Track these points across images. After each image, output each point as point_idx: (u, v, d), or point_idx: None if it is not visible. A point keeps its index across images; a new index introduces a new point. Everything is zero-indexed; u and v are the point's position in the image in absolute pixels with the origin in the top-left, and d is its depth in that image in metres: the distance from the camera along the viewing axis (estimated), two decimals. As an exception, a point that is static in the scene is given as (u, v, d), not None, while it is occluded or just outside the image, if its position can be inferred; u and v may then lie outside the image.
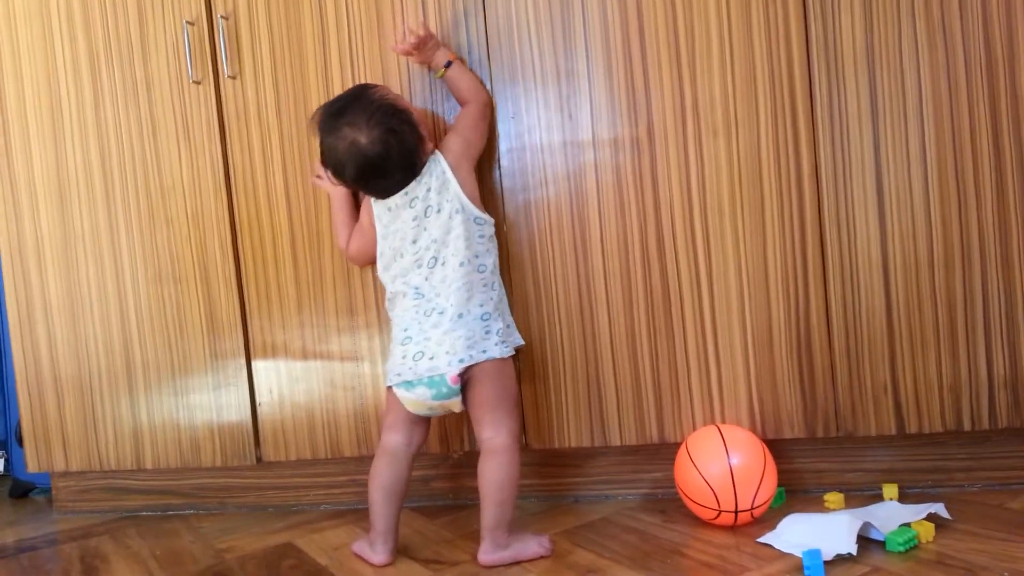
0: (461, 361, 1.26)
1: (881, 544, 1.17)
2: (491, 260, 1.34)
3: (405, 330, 1.32)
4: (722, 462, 1.27)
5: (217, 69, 1.54)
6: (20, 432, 1.79)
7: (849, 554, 1.13)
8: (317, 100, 1.50)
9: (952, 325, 1.31)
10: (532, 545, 1.25)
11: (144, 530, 1.60)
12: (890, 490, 1.36)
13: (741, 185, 1.35)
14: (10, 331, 1.71)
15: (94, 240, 1.63)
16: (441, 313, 1.29)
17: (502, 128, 1.43)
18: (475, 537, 1.36)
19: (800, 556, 1.14)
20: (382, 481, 1.30)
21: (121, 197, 1.61)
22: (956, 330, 1.31)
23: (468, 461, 1.56)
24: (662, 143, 1.37)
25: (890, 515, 1.23)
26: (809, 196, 1.33)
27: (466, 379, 1.28)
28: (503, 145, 1.44)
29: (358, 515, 1.56)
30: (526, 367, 1.45)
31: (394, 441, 1.33)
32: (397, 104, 1.31)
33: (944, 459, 1.39)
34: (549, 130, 1.42)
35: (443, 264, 1.31)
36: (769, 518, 1.30)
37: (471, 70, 1.42)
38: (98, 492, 1.75)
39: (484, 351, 1.28)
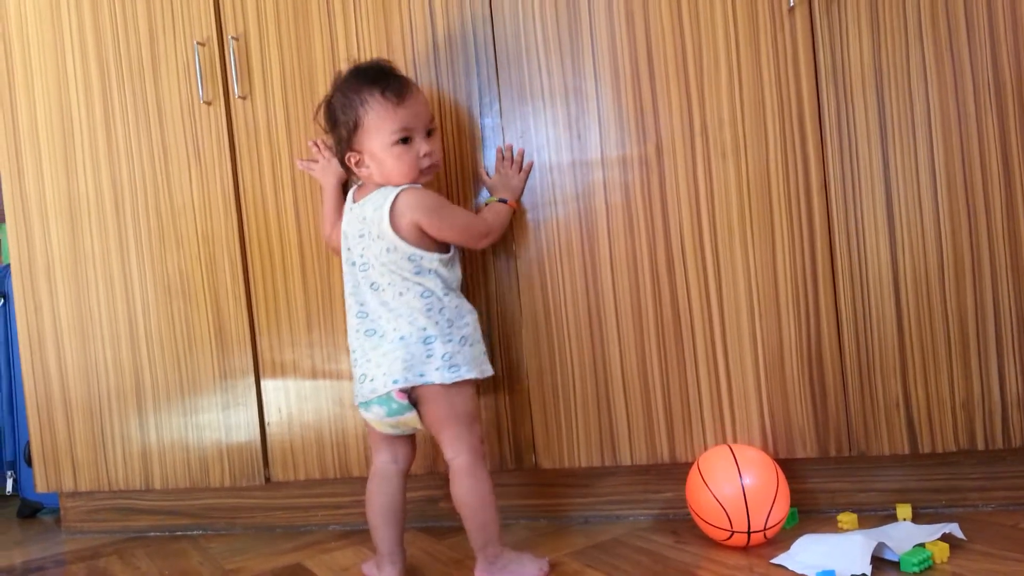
0: (395, 382, 1.23)
1: (895, 565, 1.16)
2: (438, 285, 1.27)
3: (354, 351, 1.31)
4: (734, 482, 1.26)
5: (228, 89, 1.56)
6: (29, 452, 1.79)
7: (863, 575, 1.12)
8: (327, 120, 1.51)
9: (964, 342, 1.30)
10: (530, 567, 1.25)
11: (152, 551, 1.59)
12: (904, 510, 1.35)
13: (750, 204, 1.35)
14: (20, 351, 1.71)
15: (104, 261, 1.64)
16: (381, 336, 1.26)
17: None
18: (485, 558, 1.36)
19: (814, 577, 1.13)
20: (378, 503, 1.29)
21: (132, 218, 1.62)
22: (968, 347, 1.30)
23: (477, 481, 1.55)
24: (671, 163, 1.38)
25: (904, 535, 1.22)
26: (819, 215, 1.33)
27: (415, 399, 1.25)
28: (512, 164, 1.44)
29: (367, 535, 1.54)
30: (535, 386, 1.45)
31: (380, 461, 1.32)
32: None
33: (958, 479, 1.38)
34: (558, 150, 1.42)
35: (382, 290, 1.28)
36: (782, 539, 1.29)
37: (499, 212, 1.39)
38: (107, 512, 1.75)
39: (422, 375, 1.23)
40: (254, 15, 1.54)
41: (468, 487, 1.23)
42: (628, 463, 1.42)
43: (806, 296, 1.35)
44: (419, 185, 1.31)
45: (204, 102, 1.56)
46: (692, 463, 1.37)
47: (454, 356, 1.25)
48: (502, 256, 1.45)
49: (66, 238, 1.66)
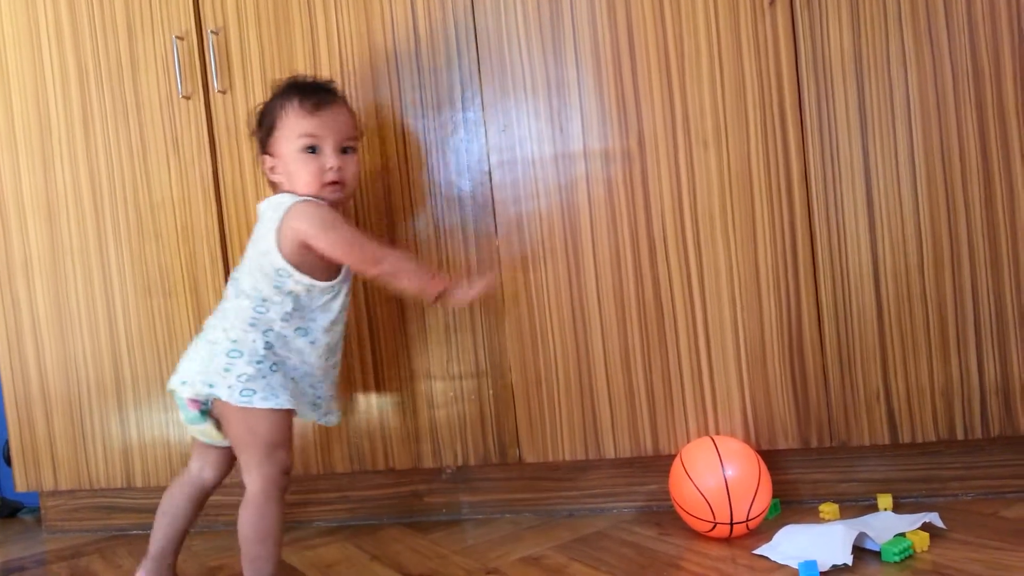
0: (183, 383, 1.19)
1: (876, 554, 1.17)
2: (285, 308, 1.20)
3: None
4: (717, 474, 1.27)
5: (207, 84, 1.54)
6: (8, 451, 1.77)
7: (845, 564, 1.13)
8: (307, 114, 1.50)
9: (943, 332, 1.31)
10: None
11: (134, 549, 1.58)
12: (884, 500, 1.35)
13: (732, 194, 1.36)
14: (-2, 349, 1.69)
15: (83, 256, 1.62)
16: (203, 333, 1.23)
17: (493, 141, 1.43)
18: (469, 552, 1.36)
19: (796, 567, 1.13)
20: (163, 503, 1.27)
21: (110, 213, 1.60)
22: (947, 335, 1.31)
23: (461, 476, 1.55)
24: (653, 154, 1.38)
25: (885, 525, 1.23)
26: (799, 204, 1.34)
27: (216, 415, 1.21)
28: (494, 158, 1.44)
29: (351, 532, 1.55)
30: (519, 380, 1.45)
31: (189, 465, 1.29)
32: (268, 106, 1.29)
33: (938, 468, 1.39)
34: (540, 142, 1.42)
35: (235, 288, 1.24)
36: (765, 530, 1.29)
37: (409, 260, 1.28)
38: (88, 511, 1.73)
39: (211, 385, 1.16)
40: (233, 9, 1.52)
41: (247, 518, 1.15)
42: (612, 456, 1.43)
43: (787, 287, 1.35)
44: (322, 201, 1.24)
45: (183, 96, 1.54)
46: (675, 455, 1.37)
47: (253, 380, 1.16)
48: (485, 250, 1.45)
49: (44, 233, 1.64)
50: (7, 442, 1.77)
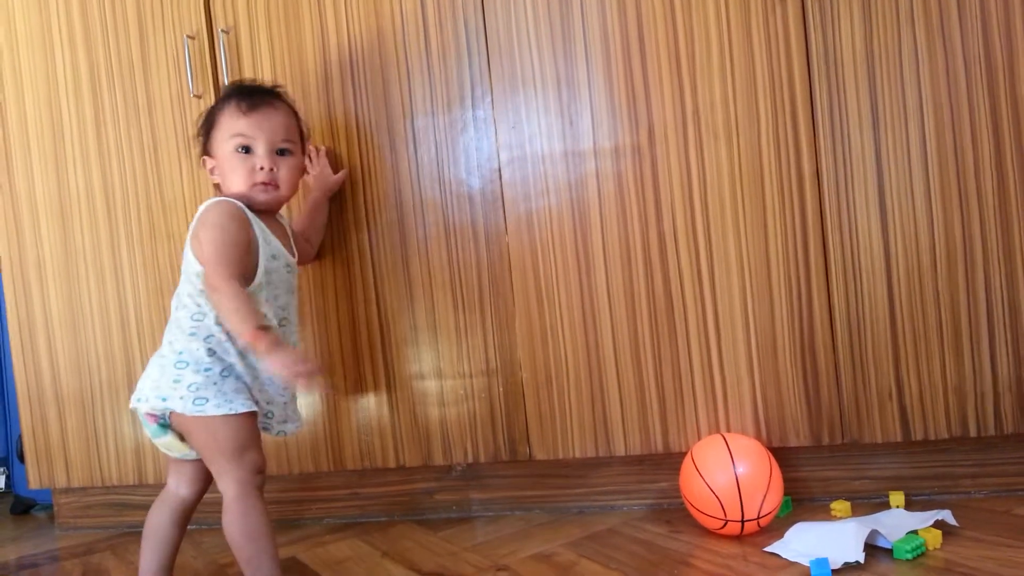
0: (139, 400, 1.19)
1: (889, 552, 1.16)
2: (214, 316, 1.18)
3: None
4: (728, 471, 1.26)
5: (218, 83, 1.55)
6: (21, 448, 1.78)
7: (857, 562, 1.12)
8: (319, 113, 1.51)
9: (956, 329, 1.31)
10: None
11: (146, 546, 1.58)
12: (896, 498, 1.35)
13: (743, 190, 1.35)
14: (11, 346, 1.70)
15: (95, 255, 1.63)
16: (159, 348, 1.23)
17: (503, 138, 1.44)
18: (479, 549, 1.36)
19: (808, 565, 1.13)
20: (147, 525, 1.25)
21: (123, 213, 1.61)
22: (960, 334, 1.31)
23: (471, 473, 1.55)
24: (663, 149, 1.38)
25: (897, 523, 1.23)
26: (811, 200, 1.33)
27: (176, 427, 1.19)
28: (504, 155, 1.44)
29: (361, 529, 1.55)
30: (529, 377, 1.45)
31: (168, 483, 1.27)
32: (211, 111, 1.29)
33: (950, 466, 1.38)
34: (550, 139, 1.42)
35: (178, 305, 1.23)
36: (776, 527, 1.29)
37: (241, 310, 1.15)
38: (100, 508, 1.74)
39: (164, 399, 1.16)
40: (244, 8, 1.53)
41: (231, 523, 1.14)
42: (622, 453, 1.42)
43: (799, 283, 1.34)
44: (237, 202, 1.23)
45: (194, 96, 1.55)
46: (686, 453, 1.37)
47: (203, 388, 1.16)
48: (495, 248, 1.45)
49: (57, 234, 1.65)
50: (20, 439, 1.78)
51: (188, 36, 1.54)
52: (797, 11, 1.32)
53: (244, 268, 1.20)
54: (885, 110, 1.31)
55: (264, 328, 1.12)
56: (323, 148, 1.50)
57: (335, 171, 1.50)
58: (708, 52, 1.35)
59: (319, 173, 1.48)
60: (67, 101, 1.63)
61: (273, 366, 1.10)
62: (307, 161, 1.49)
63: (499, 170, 1.44)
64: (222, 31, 1.53)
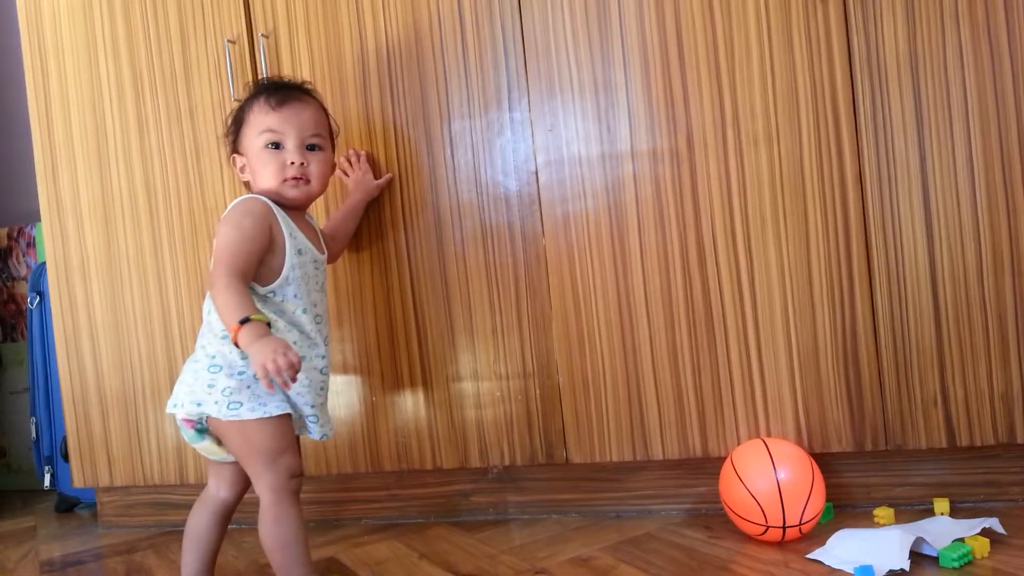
0: (175, 406, 1.19)
1: (934, 560, 1.14)
2: None
3: None
4: (769, 477, 1.25)
5: (257, 88, 1.56)
6: (66, 448, 1.81)
7: (902, 570, 1.11)
8: (357, 116, 1.52)
9: (1003, 334, 1.28)
10: None
11: (187, 545, 1.61)
12: (941, 504, 1.33)
13: (783, 196, 1.34)
14: (56, 348, 1.74)
15: (138, 259, 1.66)
16: (193, 353, 1.23)
17: (539, 141, 1.44)
18: (516, 552, 1.37)
19: (851, 572, 1.12)
20: (188, 526, 1.26)
21: (165, 217, 1.63)
22: (1007, 339, 1.28)
23: (508, 476, 1.55)
24: (702, 154, 1.37)
25: (942, 530, 1.21)
26: (854, 206, 1.32)
27: (213, 431, 1.20)
28: (540, 158, 1.44)
29: (399, 530, 1.56)
30: (566, 381, 1.45)
31: (208, 485, 1.28)
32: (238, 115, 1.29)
33: (997, 473, 1.36)
34: (587, 142, 1.42)
35: (210, 309, 1.21)
36: (817, 534, 1.27)
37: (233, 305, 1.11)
38: (142, 507, 1.77)
39: (199, 404, 1.16)
40: (283, 12, 1.54)
41: (265, 528, 1.15)
42: (660, 457, 1.42)
43: (841, 289, 1.33)
44: (263, 198, 1.22)
45: (235, 100, 1.57)
46: (725, 457, 1.36)
47: (237, 392, 1.15)
48: (532, 250, 1.45)
49: (100, 237, 1.68)
50: (65, 439, 1.82)
51: (229, 41, 1.56)
52: (839, 12, 1.30)
53: (259, 266, 1.18)
54: (929, 113, 1.29)
55: (251, 322, 1.07)
56: (364, 152, 1.51)
57: (376, 177, 1.51)
58: (748, 55, 1.34)
59: (360, 177, 1.49)
60: (111, 106, 1.66)
61: (252, 361, 1.05)
62: (347, 164, 1.50)
63: (536, 173, 1.44)
64: (262, 35, 1.55)
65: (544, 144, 1.44)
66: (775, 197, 1.34)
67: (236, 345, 1.08)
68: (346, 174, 1.51)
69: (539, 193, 1.44)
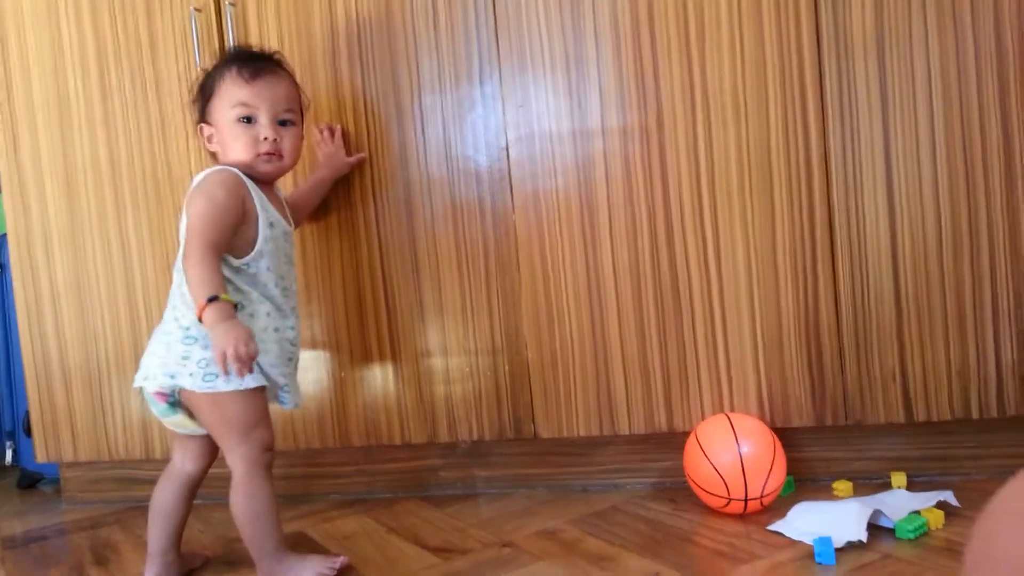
0: (146, 379, 1.17)
1: (891, 531, 1.17)
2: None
3: None
4: (732, 451, 1.27)
5: (224, 58, 1.54)
6: (28, 422, 1.79)
7: (859, 541, 1.13)
8: (326, 88, 1.50)
9: (960, 312, 1.31)
10: (315, 567, 1.18)
11: (153, 519, 1.60)
12: (898, 478, 1.36)
13: (750, 172, 1.35)
14: (18, 320, 1.71)
15: (102, 230, 1.63)
16: (160, 325, 1.23)
17: (510, 116, 1.43)
18: (484, 525, 1.38)
19: (811, 543, 1.14)
20: (154, 500, 1.26)
21: (129, 188, 1.61)
22: (965, 316, 1.31)
23: (476, 451, 1.56)
24: (671, 130, 1.37)
25: (899, 503, 1.23)
26: (818, 182, 1.33)
27: (183, 402, 1.19)
28: (511, 134, 1.43)
29: (367, 505, 1.56)
30: (535, 356, 1.45)
31: (173, 458, 1.28)
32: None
33: (953, 447, 1.39)
34: (558, 118, 1.41)
35: (181, 281, 1.19)
36: (779, 506, 1.30)
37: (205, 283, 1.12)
38: (107, 482, 1.76)
39: (172, 376, 1.15)
40: (251, -19, 1.52)
41: (236, 501, 1.17)
42: (626, 432, 1.43)
43: (804, 266, 1.35)
44: (236, 170, 1.22)
45: (202, 70, 1.53)
46: (690, 432, 1.38)
47: (213, 363, 1.13)
48: (502, 226, 1.45)
49: (63, 208, 1.65)
50: (27, 413, 1.79)
51: (195, 9, 1.53)
52: (809, -9, 1.31)
53: (233, 238, 1.18)
54: (894, 90, 1.30)
55: (219, 301, 1.08)
56: (339, 128, 1.49)
57: (349, 154, 1.49)
58: (718, 32, 1.34)
59: (332, 152, 1.47)
60: (73, 73, 1.62)
61: (213, 342, 1.07)
62: (319, 137, 1.49)
63: (507, 148, 1.44)
64: (229, 4, 1.52)
65: (515, 119, 1.43)
66: (742, 175, 1.35)
67: (199, 320, 1.09)
68: (303, 140, 1.49)
69: (509, 169, 1.44)
